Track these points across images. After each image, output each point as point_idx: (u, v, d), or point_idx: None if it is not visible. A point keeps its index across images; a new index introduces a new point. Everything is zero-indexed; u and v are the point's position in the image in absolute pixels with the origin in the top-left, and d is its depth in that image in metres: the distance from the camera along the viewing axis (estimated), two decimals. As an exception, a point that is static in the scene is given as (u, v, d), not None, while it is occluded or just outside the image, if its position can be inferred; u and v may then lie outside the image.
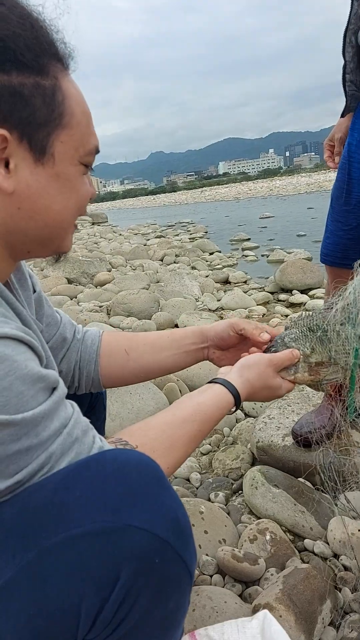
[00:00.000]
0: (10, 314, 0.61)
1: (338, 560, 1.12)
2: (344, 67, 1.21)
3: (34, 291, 0.82)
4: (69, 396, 0.99)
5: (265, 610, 0.83)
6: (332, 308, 0.90)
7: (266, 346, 0.94)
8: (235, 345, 0.98)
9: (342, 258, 1.32)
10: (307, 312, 0.93)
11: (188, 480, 1.54)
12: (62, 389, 0.58)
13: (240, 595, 1.04)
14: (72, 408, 0.59)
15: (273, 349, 0.91)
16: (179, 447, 0.70)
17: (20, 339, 0.53)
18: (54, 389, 0.56)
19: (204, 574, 1.10)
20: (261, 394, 0.86)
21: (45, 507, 0.49)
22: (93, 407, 1.07)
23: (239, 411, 1.92)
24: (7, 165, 0.56)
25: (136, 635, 0.51)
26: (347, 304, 0.89)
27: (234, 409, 0.81)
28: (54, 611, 0.46)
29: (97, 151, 0.65)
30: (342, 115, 1.30)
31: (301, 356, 0.89)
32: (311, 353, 0.89)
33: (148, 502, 0.51)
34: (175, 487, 1.43)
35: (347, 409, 0.89)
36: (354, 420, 1.07)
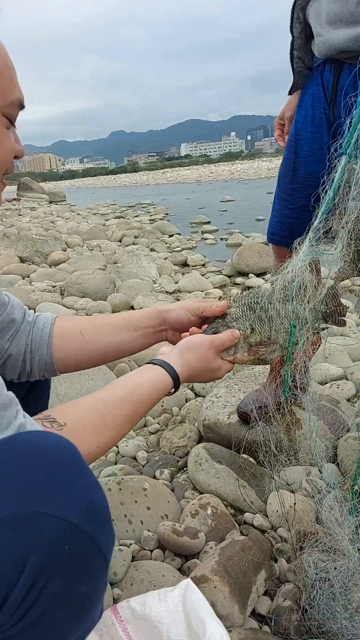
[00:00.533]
0: None
1: (276, 532, 1.15)
2: (292, 43, 1.20)
3: None
4: (18, 383, 0.96)
5: (188, 579, 0.84)
6: (272, 287, 0.90)
7: (206, 326, 0.93)
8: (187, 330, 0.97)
9: (287, 237, 1.32)
10: (248, 290, 0.93)
11: (135, 458, 1.53)
12: None
13: (179, 569, 1.05)
14: None
15: (213, 329, 0.90)
16: (111, 427, 0.68)
17: None
18: None
19: (144, 549, 1.10)
20: (201, 377, 0.86)
21: None
22: (35, 384, 1.04)
23: (188, 391, 1.93)
24: None
25: (47, 620, 0.50)
26: (286, 283, 0.90)
27: (172, 391, 0.80)
28: None
29: (22, 106, 0.64)
30: (290, 93, 1.29)
31: (241, 336, 0.89)
32: (251, 333, 0.89)
33: (60, 487, 0.49)
34: (120, 466, 1.43)
35: (282, 385, 0.90)
36: (293, 396, 1.09)
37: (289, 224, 1.31)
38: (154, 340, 0.98)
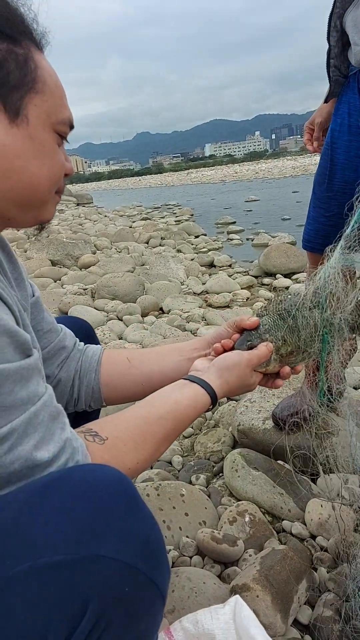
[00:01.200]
0: None
1: (315, 541, 1.15)
2: (329, 52, 1.20)
3: (33, 295, 0.84)
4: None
5: (237, 596, 0.85)
6: (302, 294, 0.89)
7: (238, 335, 0.91)
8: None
9: (322, 244, 1.31)
10: (277, 297, 0.91)
11: (170, 463, 1.55)
12: (37, 361, 0.56)
13: (219, 576, 1.06)
14: (45, 388, 0.58)
15: (249, 342, 0.88)
16: (151, 444, 0.68)
17: None
18: (28, 356, 0.55)
19: (184, 556, 1.12)
20: (236, 392, 0.86)
21: (9, 531, 0.47)
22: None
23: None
24: None
25: None
26: (317, 289, 0.89)
27: (210, 407, 0.80)
28: None
29: (72, 126, 0.67)
30: (326, 101, 1.29)
31: (273, 348, 0.88)
32: (282, 344, 0.88)
33: (117, 527, 0.49)
34: (157, 470, 1.45)
35: (319, 392, 0.90)
36: (329, 402, 1.09)
37: (324, 232, 1.30)
38: None
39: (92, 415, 1.04)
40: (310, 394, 1.42)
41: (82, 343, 0.95)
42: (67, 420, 0.60)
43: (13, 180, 0.61)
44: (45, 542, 0.46)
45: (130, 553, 0.48)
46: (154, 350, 0.97)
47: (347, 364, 1.44)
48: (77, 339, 0.95)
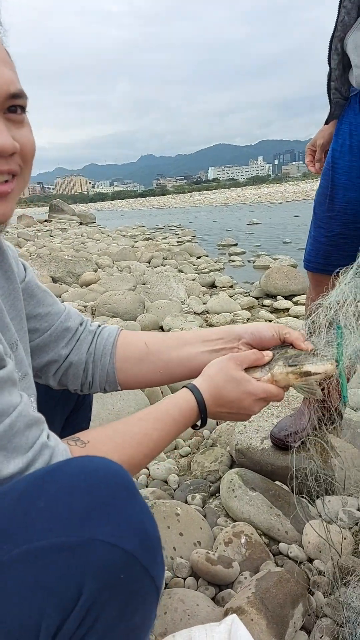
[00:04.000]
0: None
1: (312, 564, 1.12)
2: (329, 74, 1.23)
3: (24, 280, 0.81)
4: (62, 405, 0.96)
5: (234, 615, 0.82)
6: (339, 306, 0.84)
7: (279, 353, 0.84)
8: (267, 348, 0.87)
9: (324, 264, 1.33)
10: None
11: (166, 482, 1.53)
12: (10, 372, 0.56)
13: (213, 599, 1.03)
14: (19, 398, 0.57)
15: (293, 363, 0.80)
16: (131, 443, 0.68)
17: None
18: (1, 368, 0.54)
19: (177, 577, 1.09)
20: (230, 401, 0.78)
21: (7, 517, 0.47)
22: (79, 407, 1.05)
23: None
24: None
25: None
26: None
27: (201, 418, 0.77)
28: (13, 628, 0.44)
29: (13, 96, 0.59)
30: (327, 122, 1.31)
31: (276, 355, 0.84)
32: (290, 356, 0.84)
33: (115, 514, 0.49)
34: (152, 489, 1.42)
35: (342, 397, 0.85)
36: (333, 423, 1.07)
37: (325, 252, 1.31)
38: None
39: (80, 424, 1.04)
40: (310, 413, 1.40)
41: (97, 323, 0.92)
42: (45, 427, 0.60)
43: None
44: (42, 526, 0.46)
45: (128, 540, 0.48)
46: (175, 336, 0.91)
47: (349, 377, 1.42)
48: (87, 318, 0.92)
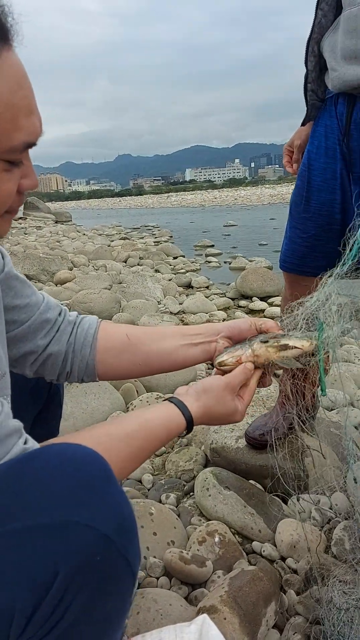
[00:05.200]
0: None
1: (285, 562, 1.13)
2: (306, 76, 1.24)
3: (2, 271, 0.78)
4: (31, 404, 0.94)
5: (205, 615, 0.82)
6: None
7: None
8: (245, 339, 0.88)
9: (300, 265, 1.34)
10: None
11: (140, 481, 1.52)
12: None
13: (186, 598, 1.03)
14: (0, 407, 0.57)
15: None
16: (115, 462, 0.63)
17: None
18: None
19: (150, 576, 1.08)
20: (218, 420, 0.81)
21: None
22: (49, 404, 1.03)
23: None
24: None
25: (74, 635, 0.49)
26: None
27: (184, 433, 0.76)
28: None
29: (29, 146, 0.59)
30: (303, 124, 1.32)
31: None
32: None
33: (92, 497, 0.49)
34: (126, 489, 1.41)
35: (320, 389, 0.86)
36: (308, 422, 1.08)
37: (301, 252, 1.32)
38: (201, 352, 0.89)
39: (50, 422, 1.02)
40: (287, 407, 1.41)
41: (75, 313, 0.91)
42: (23, 433, 0.60)
43: None
44: (18, 509, 0.46)
45: (105, 523, 0.48)
46: (155, 330, 0.92)
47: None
48: (65, 308, 0.90)
